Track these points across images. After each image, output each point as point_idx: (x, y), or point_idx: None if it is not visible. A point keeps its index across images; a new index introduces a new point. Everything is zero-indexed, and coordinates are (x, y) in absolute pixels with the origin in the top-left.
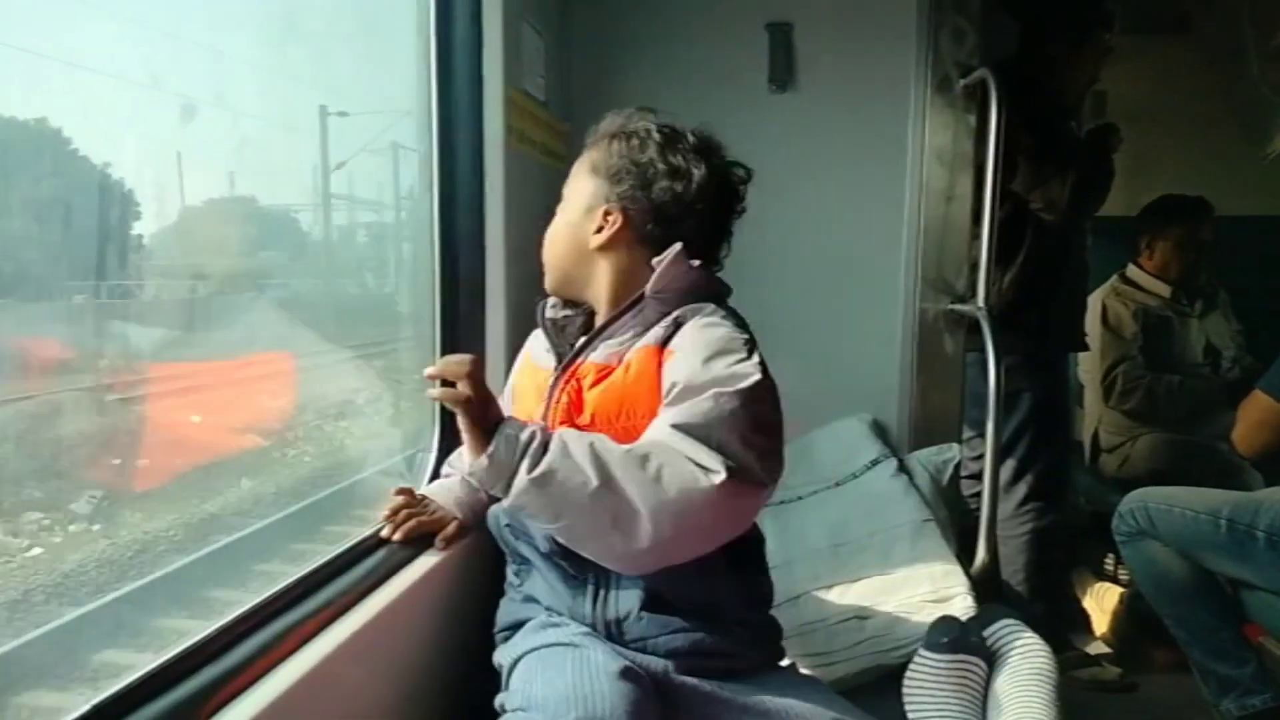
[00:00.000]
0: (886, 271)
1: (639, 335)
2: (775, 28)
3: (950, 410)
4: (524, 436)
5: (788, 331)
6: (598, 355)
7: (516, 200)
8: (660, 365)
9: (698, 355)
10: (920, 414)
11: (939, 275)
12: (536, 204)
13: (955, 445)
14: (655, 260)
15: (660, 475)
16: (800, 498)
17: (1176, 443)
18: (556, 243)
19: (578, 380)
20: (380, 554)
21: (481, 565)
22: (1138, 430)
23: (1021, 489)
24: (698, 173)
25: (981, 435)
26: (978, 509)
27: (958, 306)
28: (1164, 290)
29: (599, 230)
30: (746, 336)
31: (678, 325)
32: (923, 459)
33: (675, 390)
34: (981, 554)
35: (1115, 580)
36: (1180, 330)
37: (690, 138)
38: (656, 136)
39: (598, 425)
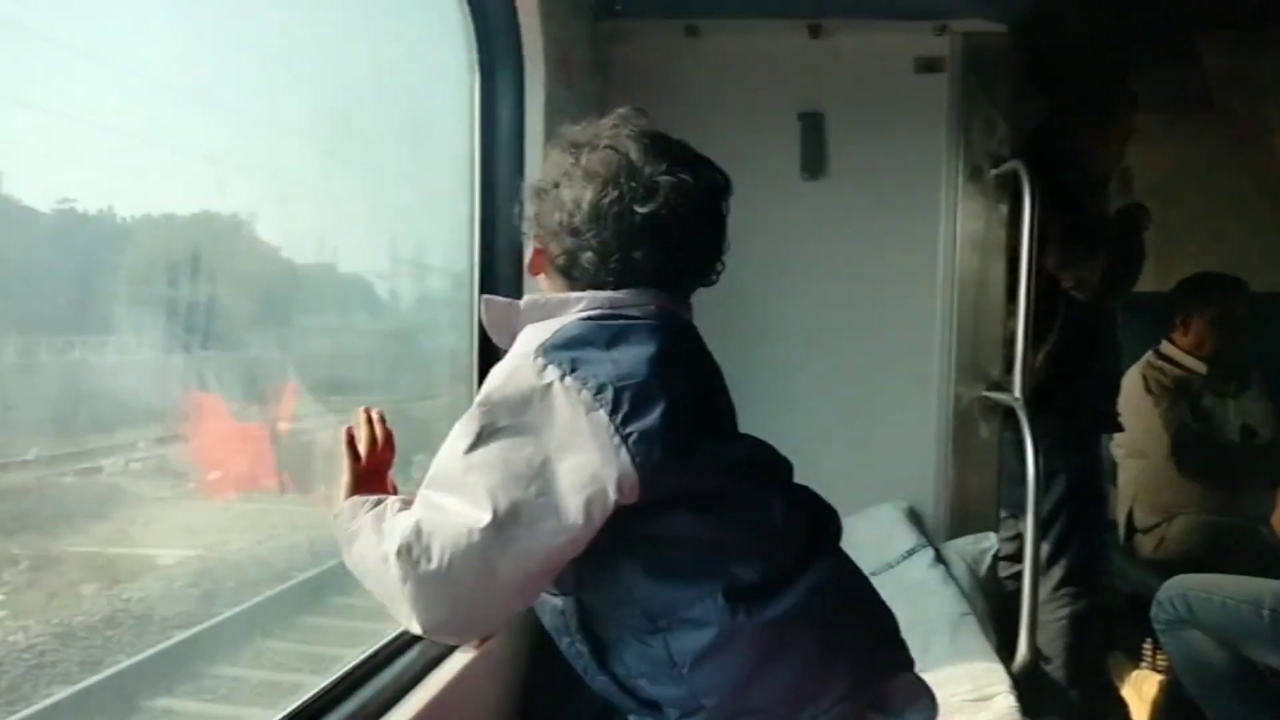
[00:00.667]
0: (920, 357)
1: None
2: (807, 117)
3: (987, 496)
4: (368, 502)
5: (822, 417)
6: None
7: None
8: None
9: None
10: (957, 500)
11: (973, 361)
12: None
13: (992, 535)
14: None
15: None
16: None
17: (1214, 524)
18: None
19: None
20: (413, 653)
21: (515, 659)
22: (1175, 510)
23: (1058, 572)
24: (588, 194)
25: (1016, 516)
26: (1015, 590)
27: (993, 394)
28: (1200, 368)
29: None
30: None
31: None
32: (960, 548)
33: None
34: (1023, 651)
35: (1154, 667)
36: (1217, 409)
37: (599, 152)
38: (568, 154)
39: None
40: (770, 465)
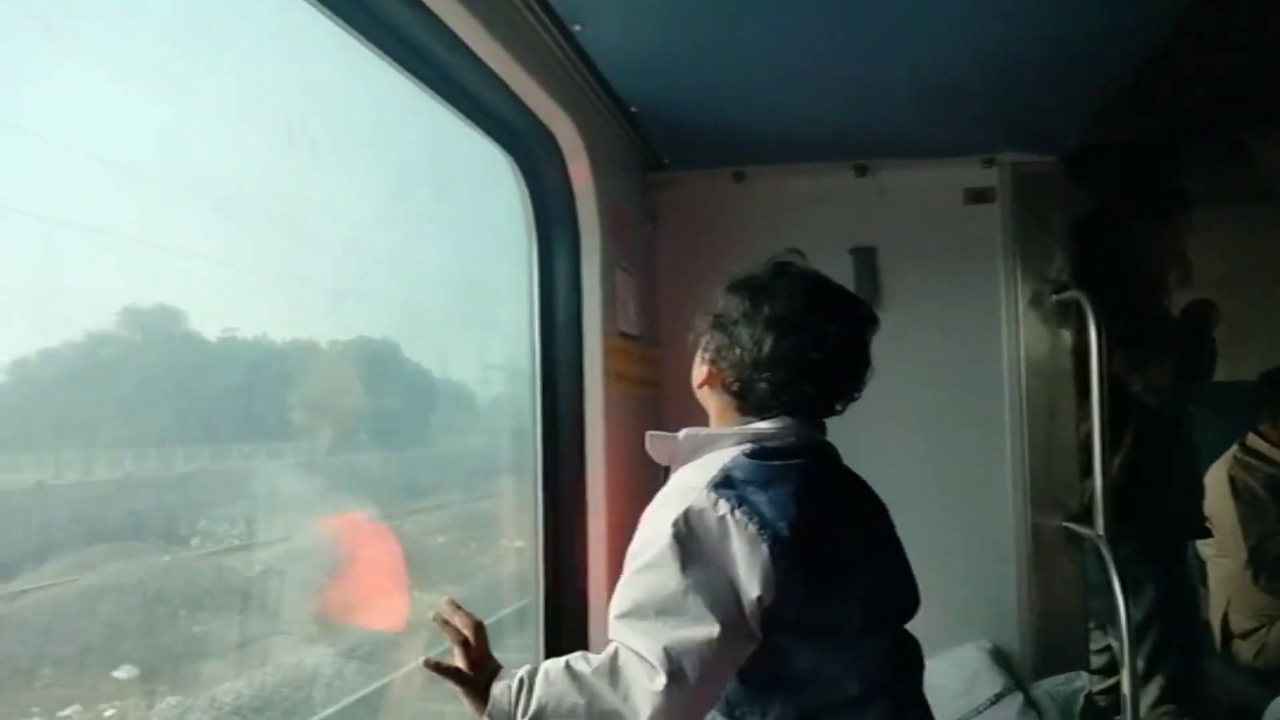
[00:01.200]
0: (993, 489)
1: None
2: (859, 252)
3: (1075, 632)
4: (513, 685)
5: None
6: None
7: (614, 434)
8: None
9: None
10: (1043, 637)
11: (1050, 492)
12: (634, 435)
13: (1084, 674)
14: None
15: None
16: None
17: None
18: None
19: None
20: None
21: None
22: (1275, 613)
23: (1154, 689)
24: (769, 340)
25: (1102, 628)
26: (1107, 707)
27: (1073, 525)
28: None
29: (702, 383)
30: (696, 488)
31: None
32: (1051, 689)
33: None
34: None
35: None
36: None
37: (783, 300)
38: (749, 294)
39: None
40: (888, 600)
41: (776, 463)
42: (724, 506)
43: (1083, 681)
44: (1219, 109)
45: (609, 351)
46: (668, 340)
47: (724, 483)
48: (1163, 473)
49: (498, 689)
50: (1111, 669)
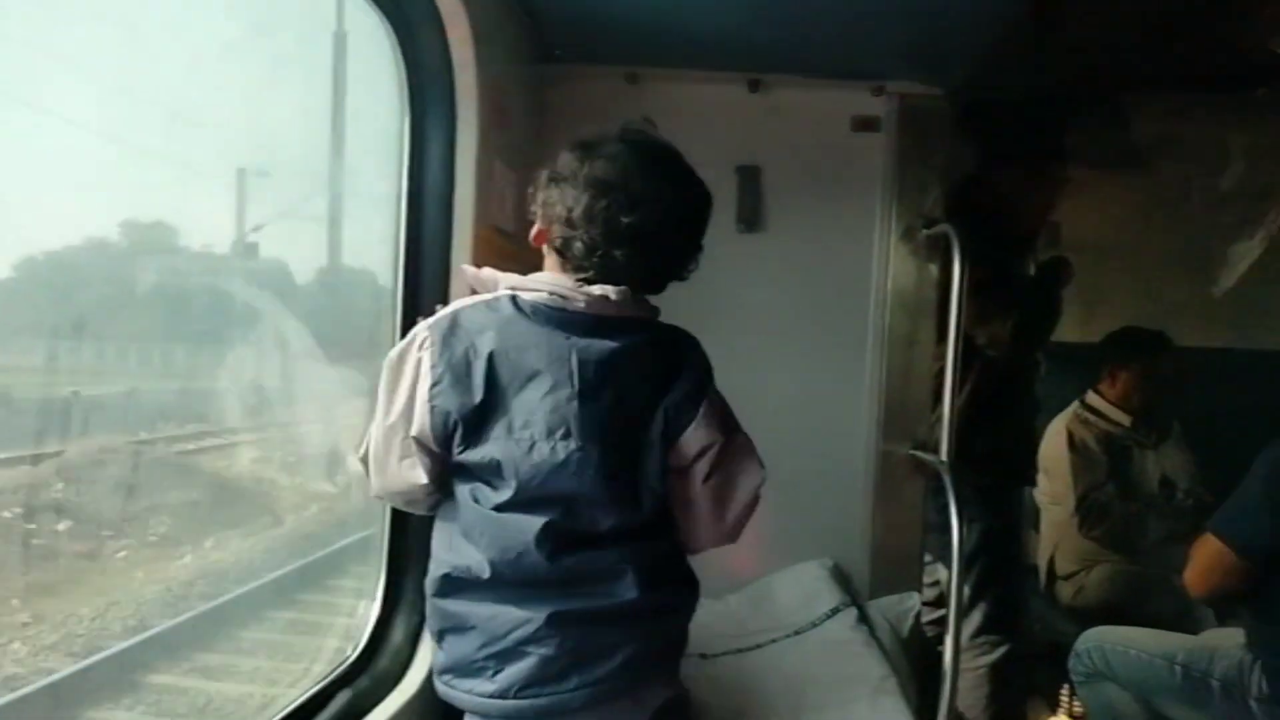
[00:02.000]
0: (849, 414)
1: None
2: (745, 170)
3: (912, 555)
4: None
5: None
6: None
7: None
8: None
9: None
10: (881, 558)
11: (901, 420)
12: None
13: (915, 594)
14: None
15: None
16: (759, 645)
17: (1132, 574)
18: None
19: None
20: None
21: None
22: (1094, 559)
23: (974, 619)
24: (585, 198)
25: (937, 561)
26: (936, 645)
27: (920, 454)
28: (1125, 419)
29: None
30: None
31: None
32: (884, 607)
33: None
34: (944, 716)
35: (1070, 714)
36: (1139, 461)
37: (602, 163)
38: (577, 156)
39: None
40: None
41: (493, 315)
42: (425, 344)
43: (914, 601)
44: (1105, 72)
45: (479, 242)
46: None
47: (437, 322)
48: (997, 421)
49: None
50: (941, 601)
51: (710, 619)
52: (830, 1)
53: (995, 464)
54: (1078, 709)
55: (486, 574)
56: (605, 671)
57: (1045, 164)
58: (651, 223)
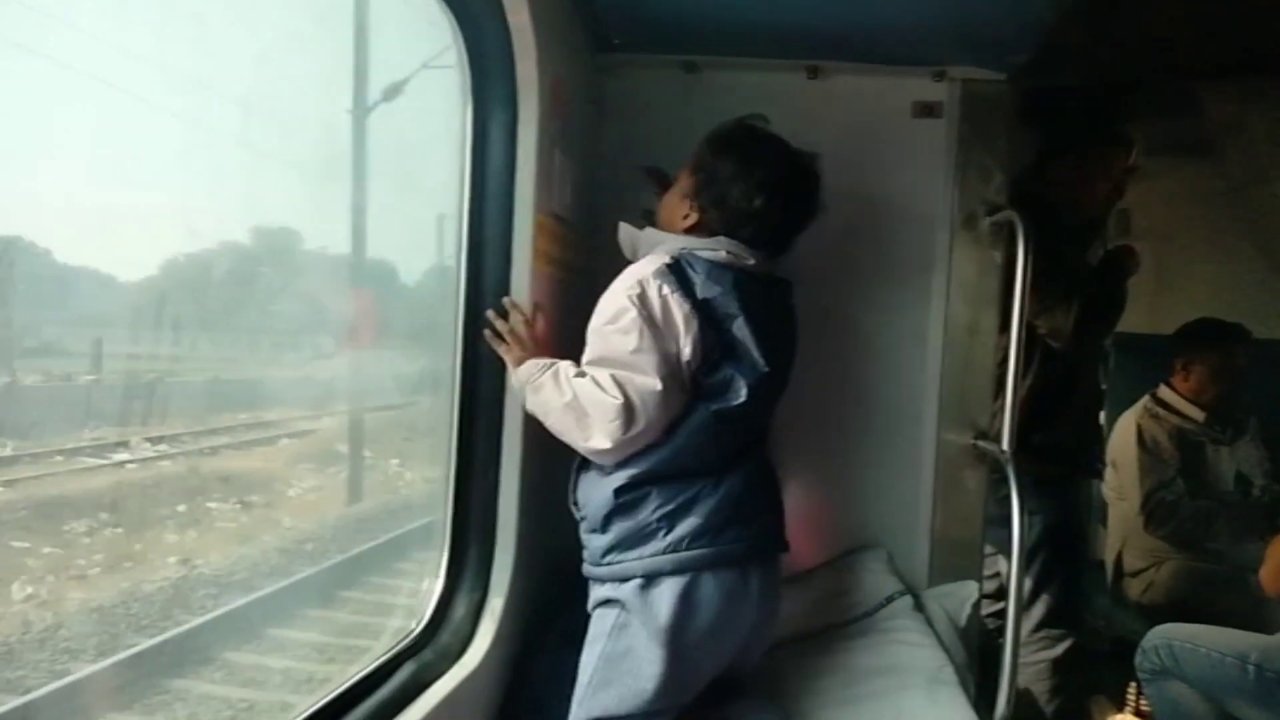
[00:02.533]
0: (909, 403)
1: None
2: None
3: (971, 544)
4: (538, 364)
5: (805, 459)
6: None
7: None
8: None
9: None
10: (940, 547)
11: (963, 409)
12: (556, 318)
13: (973, 583)
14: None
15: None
16: (815, 635)
17: (1203, 572)
18: (661, 214)
19: None
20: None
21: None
22: (1164, 555)
23: (1037, 612)
24: (763, 201)
25: (998, 553)
26: (995, 629)
27: (981, 443)
28: (1198, 414)
29: (685, 216)
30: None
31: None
32: (940, 596)
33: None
34: (1002, 708)
35: (1138, 711)
36: (1213, 456)
37: (772, 171)
38: (740, 160)
39: None
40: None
41: (706, 266)
42: (665, 288)
43: (971, 590)
44: (1173, 55)
45: (540, 230)
46: (603, 228)
47: (662, 270)
48: (1061, 413)
49: (529, 364)
50: (1002, 594)
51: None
52: None
53: (1058, 456)
54: (1145, 706)
55: None
56: None
57: (1111, 150)
58: (799, 215)
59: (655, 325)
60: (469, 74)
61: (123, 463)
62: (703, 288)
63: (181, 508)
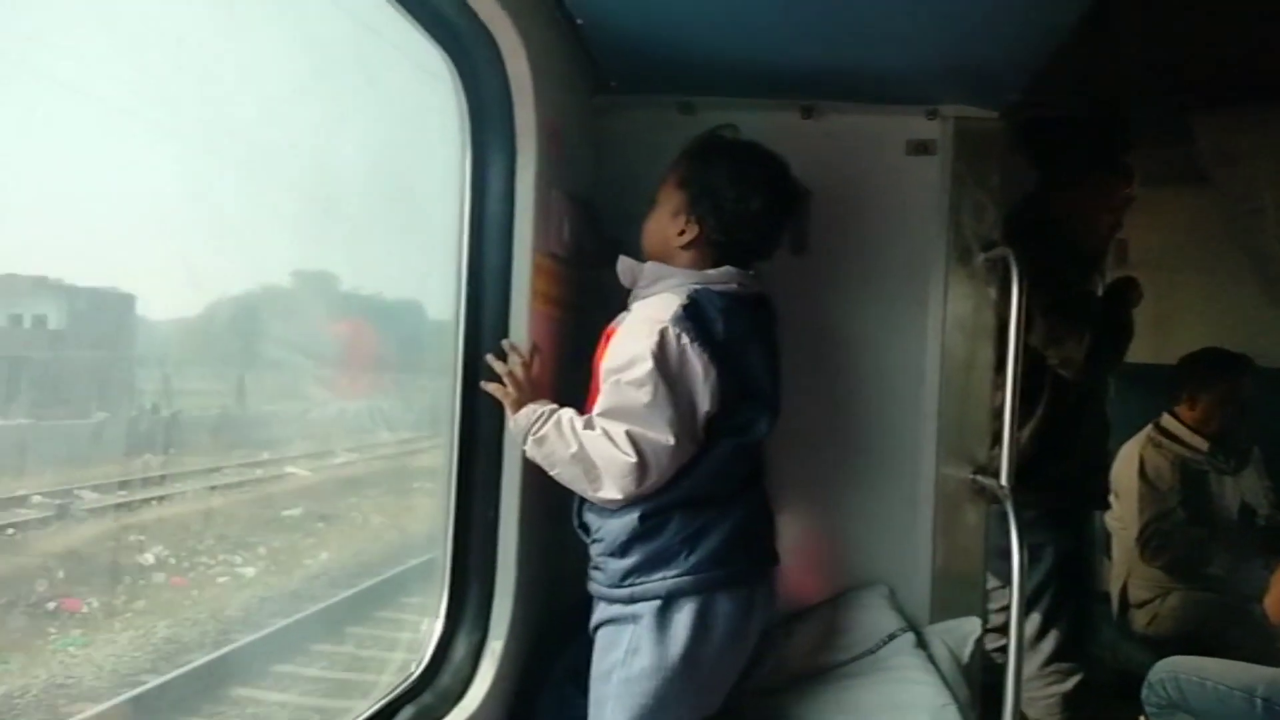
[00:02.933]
0: (907, 438)
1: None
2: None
3: (973, 579)
4: (537, 411)
5: (806, 495)
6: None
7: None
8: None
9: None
10: (941, 583)
11: (961, 444)
12: (554, 358)
13: (976, 619)
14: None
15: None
16: (815, 674)
17: (1209, 602)
18: (650, 237)
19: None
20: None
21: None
22: (1169, 586)
23: (1047, 646)
24: (758, 200)
25: (1004, 586)
26: (1001, 665)
27: (980, 478)
28: (1202, 444)
29: (681, 233)
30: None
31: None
32: (942, 633)
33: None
34: None
35: None
36: (1216, 486)
37: (759, 170)
38: (729, 164)
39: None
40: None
41: (720, 302)
42: (685, 338)
43: (974, 626)
44: (1165, 84)
45: (538, 271)
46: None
47: (681, 317)
48: (1070, 444)
49: (527, 409)
50: (1008, 629)
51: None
52: (881, 28)
53: (1069, 488)
54: None
55: None
56: None
57: (1113, 180)
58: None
59: (671, 379)
60: (468, 118)
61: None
62: (722, 329)
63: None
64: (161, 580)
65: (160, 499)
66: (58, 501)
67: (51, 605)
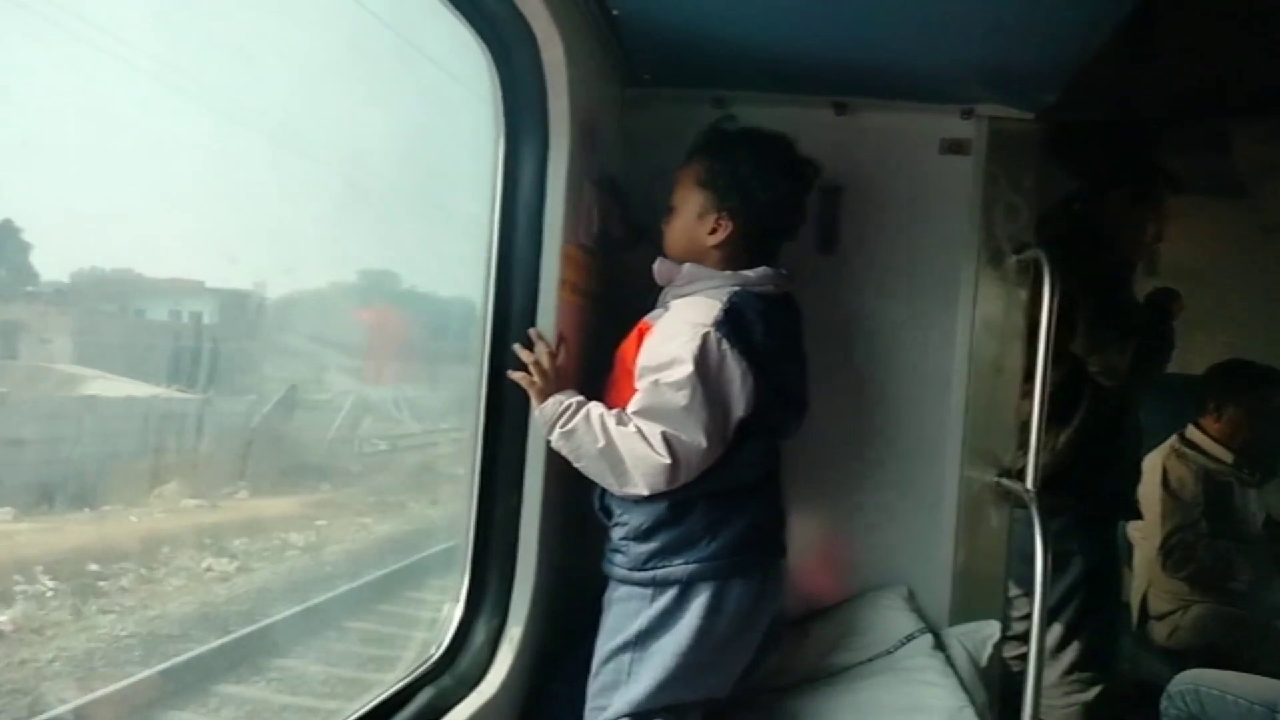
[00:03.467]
0: (933, 440)
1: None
2: (826, 191)
3: (993, 583)
4: (564, 403)
5: (828, 493)
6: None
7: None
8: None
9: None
10: (962, 586)
11: (986, 447)
12: (581, 348)
13: (995, 622)
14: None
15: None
16: (832, 674)
17: (1230, 616)
18: (676, 241)
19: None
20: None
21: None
22: (1190, 599)
23: (1069, 656)
24: (785, 184)
25: (1027, 595)
26: (1021, 672)
27: (1005, 481)
28: (1227, 456)
29: (713, 232)
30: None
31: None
32: (961, 635)
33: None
34: None
35: None
36: (1240, 499)
37: (778, 154)
38: (748, 154)
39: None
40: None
41: (759, 305)
42: (725, 344)
43: (993, 629)
44: (1204, 94)
45: (567, 261)
46: (637, 254)
47: (722, 322)
48: (1106, 453)
49: (554, 400)
50: (1029, 638)
51: (784, 646)
52: (917, 25)
53: (1103, 496)
54: None
55: None
56: None
57: (1153, 191)
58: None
59: (710, 384)
60: (502, 106)
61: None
62: (761, 335)
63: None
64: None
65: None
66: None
67: None
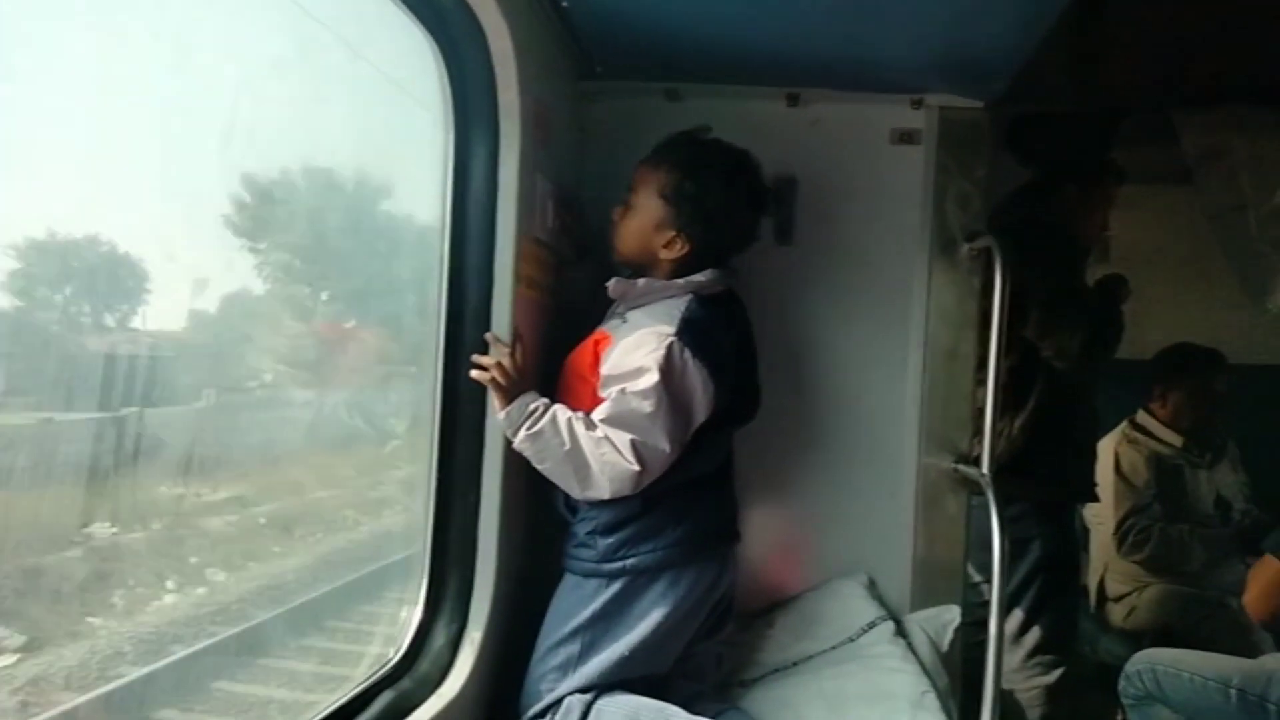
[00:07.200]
0: (889, 428)
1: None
2: (781, 182)
3: (953, 569)
4: (530, 405)
5: (786, 485)
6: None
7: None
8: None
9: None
10: (922, 573)
11: (943, 433)
12: (536, 342)
13: (955, 607)
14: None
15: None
16: (795, 664)
17: (1185, 595)
18: (628, 241)
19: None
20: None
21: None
22: (1146, 580)
23: (1030, 639)
24: (748, 215)
25: (988, 580)
26: (982, 658)
27: (962, 468)
28: (1176, 440)
29: (668, 246)
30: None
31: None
32: (922, 621)
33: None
34: None
35: None
36: (1191, 481)
37: (745, 185)
38: (718, 178)
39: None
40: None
41: (713, 309)
42: (687, 353)
43: (954, 614)
44: (1151, 83)
45: (522, 254)
46: (593, 252)
47: (684, 331)
48: (1061, 438)
49: (520, 402)
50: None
51: (748, 637)
52: (868, 16)
53: (1059, 480)
54: None
55: None
56: None
57: (1102, 179)
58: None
59: (674, 392)
60: (450, 98)
61: None
62: (721, 339)
63: None
64: None
65: None
66: None
67: None
